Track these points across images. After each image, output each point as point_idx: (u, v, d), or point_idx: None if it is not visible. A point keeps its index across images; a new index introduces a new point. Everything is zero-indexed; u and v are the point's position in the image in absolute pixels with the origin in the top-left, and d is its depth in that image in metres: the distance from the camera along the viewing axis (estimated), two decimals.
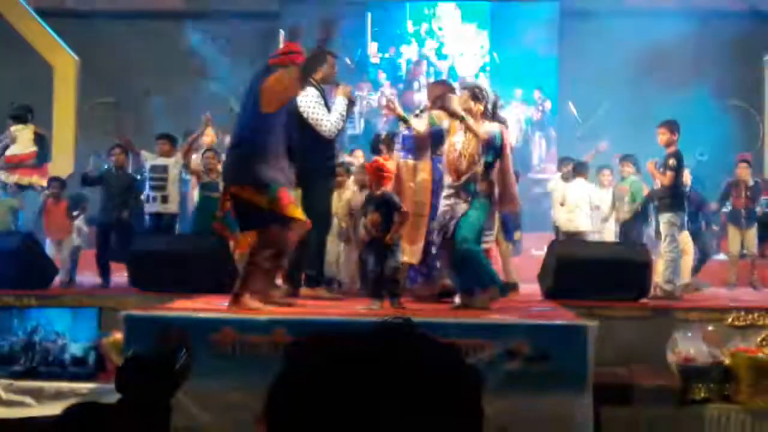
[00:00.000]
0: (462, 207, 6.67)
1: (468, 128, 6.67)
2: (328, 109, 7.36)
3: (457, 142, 6.75)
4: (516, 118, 15.30)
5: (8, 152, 10.45)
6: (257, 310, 6.23)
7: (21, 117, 10.65)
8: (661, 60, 14.30)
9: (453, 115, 6.82)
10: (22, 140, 10.45)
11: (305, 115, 7.29)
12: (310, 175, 7.23)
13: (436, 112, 7.45)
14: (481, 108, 6.79)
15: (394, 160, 7.88)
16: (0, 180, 10.43)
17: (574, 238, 9.98)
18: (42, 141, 10.82)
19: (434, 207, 7.35)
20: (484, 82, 8.58)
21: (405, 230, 7.01)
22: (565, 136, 15.28)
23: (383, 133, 9.30)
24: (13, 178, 10.36)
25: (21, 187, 10.41)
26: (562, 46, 15.88)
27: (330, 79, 7.55)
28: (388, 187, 6.87)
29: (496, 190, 6.80)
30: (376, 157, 7.85)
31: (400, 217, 6.64)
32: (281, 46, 6.77)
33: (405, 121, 7.63)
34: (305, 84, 6.65)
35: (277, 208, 6.33)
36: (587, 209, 10.23)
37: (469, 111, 6.73)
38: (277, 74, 6.41)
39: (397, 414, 1.18)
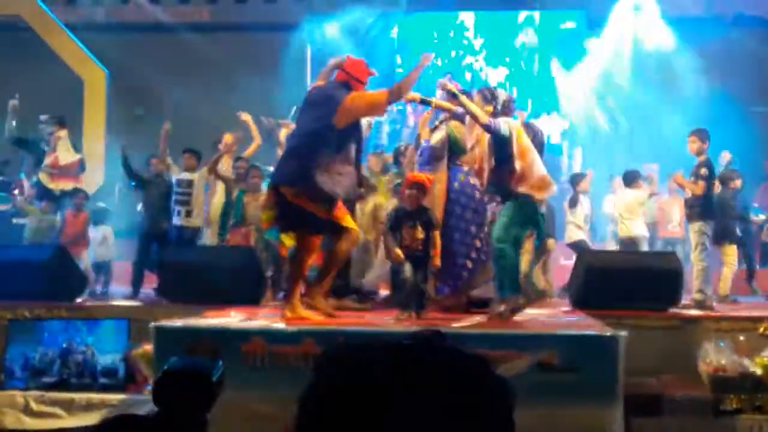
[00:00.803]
0: (497, 209, 6.76)
1: (464, 106, 6.75)
2: None
3: (476, 147, 6.89)
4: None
5: (50, 158, 10.29)
6: (308, 319, 6.33)
7: (64, 123, 10.61)
8: (686, 67, 14.21)
9: (450, 96, 6.99)
10: (66, 146, 10.42)
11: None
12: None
13: (454, 123, 7.52)
14: (491, 109, 6.87)
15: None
16: (42, 184, 10.36)
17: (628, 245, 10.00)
18: (77, 150, 10.87)
19: (452, 217, 7.38)
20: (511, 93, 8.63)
21: None
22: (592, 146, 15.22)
23: (402, 145, 9.37)
24: (56, 184, 10.30)
25: (63, 194, 10.36)
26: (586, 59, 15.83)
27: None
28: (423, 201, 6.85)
29: (528, 183, 6.70)
30: (418, 172, 7.79)
31: (435, 234, 6.70)
32: (346, 61, 6.87)
33: (427, 102, 7.67)
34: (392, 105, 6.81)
35: (334, 217, 6.50)
36: (642, 216, 10.22)
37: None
38: (361, 93, 6.63)
39: (426, 426, 1.18)
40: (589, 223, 10.61)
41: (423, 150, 7.86)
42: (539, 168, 6.73)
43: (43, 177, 10.24)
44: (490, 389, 1.25)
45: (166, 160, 9.80)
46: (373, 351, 1.26)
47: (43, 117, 10.48)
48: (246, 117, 9.86)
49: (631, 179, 10.26)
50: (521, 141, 6.66)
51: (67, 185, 10.22)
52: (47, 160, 10.20)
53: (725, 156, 11.13)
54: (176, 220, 9.33)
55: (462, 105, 6.82)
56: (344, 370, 1.24)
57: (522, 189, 6.64)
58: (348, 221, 6.64)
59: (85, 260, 9.75)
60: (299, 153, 6.52)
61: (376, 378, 1.21)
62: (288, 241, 7.06)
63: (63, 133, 10.34)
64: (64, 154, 10.28)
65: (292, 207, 6.48)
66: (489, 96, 6.98)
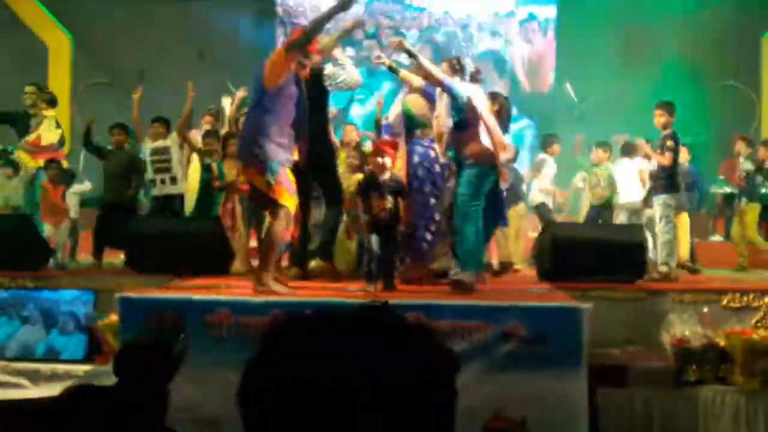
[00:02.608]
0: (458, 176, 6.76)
1: (420, 65, 6.82)
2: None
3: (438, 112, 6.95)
4: None
5: (33, 136, 9.99)
6: (279, 293, 6.24)
7: (54, 102, 10.33)
8: (657, 40, 14.26)
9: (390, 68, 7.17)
10: (51, 126, 10.19)
11: (337, 76, 7.42)
12: (321, 155, 7.38)
13: (409, 97, 7.59)
14: (459, 79, 6.93)
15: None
16: (17, 160, 10.13)
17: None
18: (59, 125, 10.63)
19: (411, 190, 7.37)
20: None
21: None
22: (562, 115, 15.25)
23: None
24: (36, 162, 10.07)
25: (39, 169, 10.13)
26: (560, 27, 15.82)
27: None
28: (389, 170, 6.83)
29: (479, 150, 6.68)
30: (384, 138, 7.80)
31: (406, 202, 6.70)
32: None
33: (395, 71, 7.69)
34: (292, 61, 6.54)
35: (272, 192, 6.33)
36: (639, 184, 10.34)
37: None
38: (276, 50, 6.54)
39: (371, 396, 1.19)
40: (553, 187, 10.71)
41: (384, 128, 7.96)
42: (495, 135, 6.71)
43: (21, 154, 10.03)
44: (433, 359, 1.26)
45: (140, 128, 9.67)
46: (319, 324, 1.27)
47: (28, 88, 10.16)
48: (240, 93, 9.56)
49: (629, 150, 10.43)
50: (478, 107, 6.65)
51: (34, 164, 10.05)
52: (29, 137, 9.96)
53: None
54: (162, 189, 9.22)
55: (418, 64, 6.78)
56: (290, 343, 1.25)
57: (472, 157, 6.65)
58: (285, 197, 6.35)
59: (64, 231, 9.64)
60: (244, 126, 6.55)
61: (321, 350, 1.22)
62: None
63: (51, 113, 10.08)
64: (48, 134, 10.07)
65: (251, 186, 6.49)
66: (457, 65, 7.00)
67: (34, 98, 10.05)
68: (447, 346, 1.29)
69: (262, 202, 6.59)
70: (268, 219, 6.88)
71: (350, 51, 15.33)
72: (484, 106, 6.70)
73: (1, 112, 10.27)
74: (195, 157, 9.60)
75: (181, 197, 9.33)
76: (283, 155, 6.37)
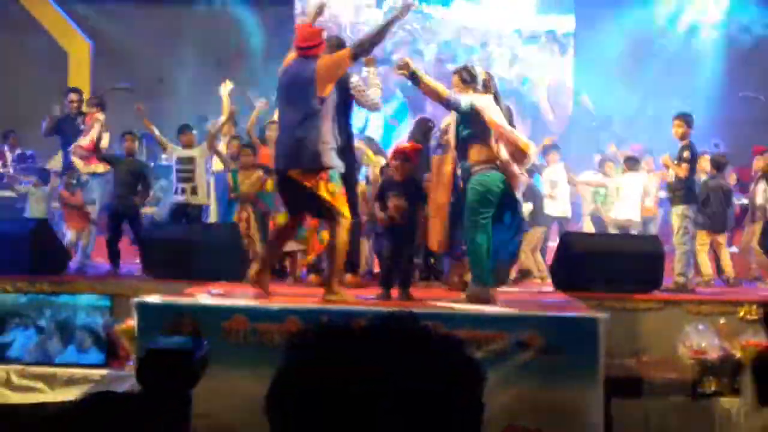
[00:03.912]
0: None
1: (422, 82, 6.59)
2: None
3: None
4: None
5: (85, 140, 9.96)
6: (349, 301, 6.29)
7: (104, 106, 10.28)
8: (673, 51, 14.23)
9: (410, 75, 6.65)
10: (104, 130, 10.22)
11: (358, 98, 7.53)
12: (348, 162, 7.35)
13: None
14: (471, 91, 6.72)
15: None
16: (72, 166, 10.03)
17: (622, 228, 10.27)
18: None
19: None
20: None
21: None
22: (580, 127, 15.23)
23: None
24: (89, 168, 9.99)
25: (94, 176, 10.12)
26: (577, 38, 15.79)
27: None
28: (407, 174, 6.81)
29: (504, 157, 6.58)
30: (405, 143, 7.84)
31: (421, 206, 6.68)
32: (302, 31, 6.75)
33: (414, 78, 7.65)
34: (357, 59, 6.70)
35: (335, 200, 6.35)
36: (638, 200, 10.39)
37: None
38: (326, 57, 6.52)
39: (396, 405, 1.19)
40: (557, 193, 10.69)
41: (435, 140, 8.04)
42: (514, 139, 6.59)
43: (75, 160, 10.02)
44: (461, 370, 1.26)
45: (162, 140, 9.65)
46: (345, 332, 1.28)
47: (73, 96, 10.21)
48: (225, 89, 9.53)
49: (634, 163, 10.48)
50: (488, 117, 6.57)
51: (98, 168, 10.04)
52: (81, 142, 9.98)
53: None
54: (181, 198, 9.25)
55: (421, 83, 6.58)
56: (316, 351, 1.25)
57: (477, 164, 6.57)
58: (345, 206, 6.41)
59: (86, 236, 9.68)
60: (293, 134, 6.44)
61: (347, 358, 1.22)
62: (281, 218, 7.05)
63: (102, 116, 10.12)
64: (104, 139, 10.14)
65: (299, 189, 6.41)
66: (467, 77, 6.83)
67: (79, 104, 10.11)
68: (473, 356, 1.29)
69: (321, 210, 6.53)
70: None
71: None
72: (496, 113, 6.57)
73: (54, 118, 10.19)
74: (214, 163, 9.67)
75: (199, 207, 9.38)
76: (339, 162, 6.46)
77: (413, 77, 6.56)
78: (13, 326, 7.15)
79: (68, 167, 10.07)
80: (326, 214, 6.46)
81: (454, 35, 16.64)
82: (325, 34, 6.81)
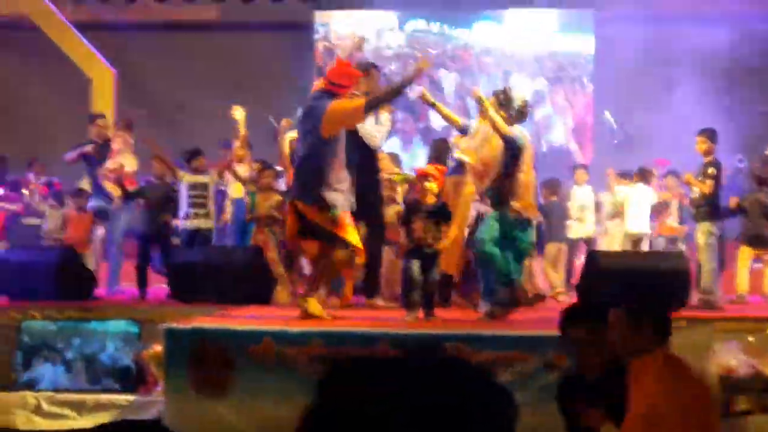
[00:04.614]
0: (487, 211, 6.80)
1: (490, 117, 6.73)
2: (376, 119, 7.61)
3: (480, 147, 6.88)
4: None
5: (115, 163, 10.03)
6: (316, 315, 6.47)
7: (132, 127, 10.38)
8: (696, 67, 14.18)
9: (481, 108, 6.91)
10: (130, 152, 10.27)
11: (358, 129, 7.55)
12: (365, 188, 7.46)
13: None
14: (505, 114, 6.87)
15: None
16: (102, 189, 10.06)
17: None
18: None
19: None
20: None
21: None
22: (601, 142, 15.21)
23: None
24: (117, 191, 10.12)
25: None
26: (598, 54, 15.80)
27: (374, 92, 7.61)
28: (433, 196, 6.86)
29: (523, 200, 6.83)
30: (429, 165, 7.89)
31: (448, 229, 6.71)
32: (340, 67, 6.85)
33: (434, 106, 7.76)
34: (369, 114, 6.82)
35: (338, 229, 6.51)
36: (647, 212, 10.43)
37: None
38: (340, 102, 6.58)
39: None
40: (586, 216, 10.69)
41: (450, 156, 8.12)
42: (535, 187, 6.91)
43: (107, 183, 10.04)
44: (492, 400, 1.26)
45: (174, 168, 9.68)
46: (375, 366, 1.28)
47: (101, 122, 10.24)
48: (239, 113, 9.58)
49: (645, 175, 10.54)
50: (529, 155, 6.77)
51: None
52: (111, 165, 10.05)
53: None
54: (193, 223, 9.28)
55: (488, 116, 6.77)
56: (348, 388, 1.26)
57: (517, 204, 6.75)
58: (349, 234, 6.58)
59: (90, 261, 9.72)
60: (301, 167, 6.67)
61: (380, 393, 1.23)
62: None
63: (130, 139, 10.21)
64: (131, 161, 10.20)
65: (306, 217, 6.61)
66: (504, 100, 6.95)
67: (109, 128, 10.14)
68: (506, 388, 1.29)
69: (327, 237, 6.66)
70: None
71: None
72: (531, 154, 6.85)
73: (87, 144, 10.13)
74: (233, 189, 9.68)
75: (210, 231, 9.42)
76: (343, 201, 6.55)
77: (480, 101, 6.86)
78: (42, 360, 7.18)
79: (98, 191, 10.06)
80: (331, 241, 6.60)
81: (475, 60, 16.66)
82: (358, 80, 6.94)
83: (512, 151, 6.77)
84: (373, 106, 6.64)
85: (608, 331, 3.65)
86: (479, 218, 7.55)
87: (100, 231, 10.03)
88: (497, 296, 6.75)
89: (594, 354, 3.77)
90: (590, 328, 3.80)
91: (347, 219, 6.57)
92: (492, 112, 6.74)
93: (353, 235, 6.62)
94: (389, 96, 6.86)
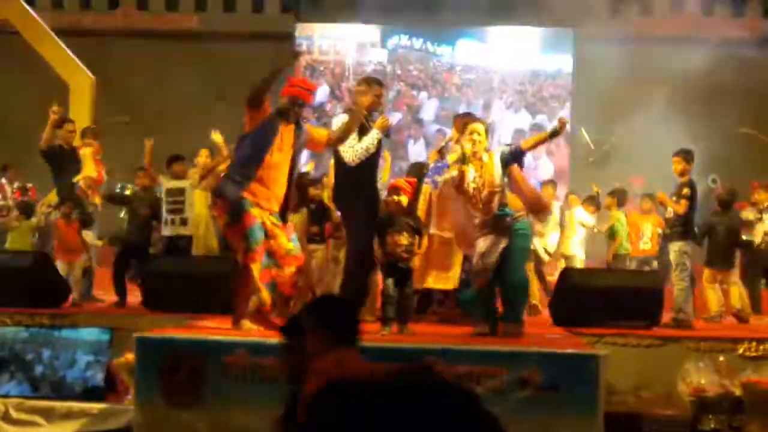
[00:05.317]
0: (503, 240, 6.61)
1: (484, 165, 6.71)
2: (361, 137, 7.33)
3: (471, 177, 6.66)
4: None
5: (93, 173, 9.90)
6: (248, 331, 6.31)
7: (97, 135, 10.29)
8: (673, 87, 14.33)
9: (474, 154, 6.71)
10: (98, 160, 10.22)
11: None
12: (344, 202, 7.41)
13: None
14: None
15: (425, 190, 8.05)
16: (78, 197, 9.77)
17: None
18: None
19: None
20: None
21: (436, 256, 7.18)
22: (577, 161, 15.33)
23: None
24: (95, 198, 9.93)
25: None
26: (576, 74, 15.93)
27: (374, 108, 7.51)
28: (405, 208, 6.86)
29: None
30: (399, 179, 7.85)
31: (420, 241, 6.71)
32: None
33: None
34: (259, 108, 6.60)
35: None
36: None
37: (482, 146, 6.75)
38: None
39: None
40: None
41: (437, 170, 8.06)
42: (536, 193, 7.01)
43: (82, 192, 9.93)
44: (479, 425, 1.27)
45: (153, 174, 9.65)
46: (363, 390, 1.28)
47: (69, 126, 10.07)
48: (216, 137, 9.65)
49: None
50: (513, 168, 6.78)
51: (98, 200, 10.05)
52: (90, 174, 9.92)
53: None
54: (170, 230, 9.25)
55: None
56: (336, 411, 1.26)
57: (517, 212, 6.72)
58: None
59: (79, 269, 9.65)
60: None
61: (368, 418, 1.23)
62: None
63: (98, 146, 10.16)
64: (101, 169, 10.15)
65: None
66: (488, 129, 7.09)
67: (76, 134, 10.09)
68: (492, 411, 1.29)
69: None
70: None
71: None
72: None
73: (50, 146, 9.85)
74: (197, 194, 9.62)
75: (189, 239, 9.38)
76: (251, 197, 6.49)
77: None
78: (9, 376, 7.08)
79: (68, 198, 9.93)
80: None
81: (458, 80, 16.67)
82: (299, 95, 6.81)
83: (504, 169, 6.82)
84: (261, 90, 6.58)
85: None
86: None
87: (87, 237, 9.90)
88: (521, 313, 6.77)
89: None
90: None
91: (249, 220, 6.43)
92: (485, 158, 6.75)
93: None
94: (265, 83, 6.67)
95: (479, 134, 6.67)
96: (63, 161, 9.72)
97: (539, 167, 15.75)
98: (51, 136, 9.68)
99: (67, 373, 6.96)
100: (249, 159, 6.51)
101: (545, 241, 10.41)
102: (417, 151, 15.82)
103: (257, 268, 6.38)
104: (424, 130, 16.04)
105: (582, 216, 10.95)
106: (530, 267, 9.90)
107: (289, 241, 6.58)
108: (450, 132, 8.51)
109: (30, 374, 7.00)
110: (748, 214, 10.61)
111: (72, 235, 9.64)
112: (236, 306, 6.46)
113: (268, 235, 6.45)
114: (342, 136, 7.00)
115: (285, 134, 6.62)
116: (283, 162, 6.61)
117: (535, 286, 9.96)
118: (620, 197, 11.19)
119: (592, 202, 11.07)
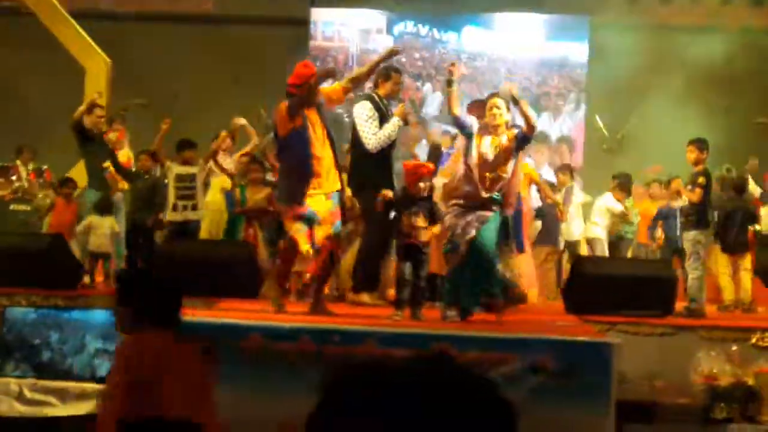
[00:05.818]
0: (478, 225, 6.70)
1: (523, 113, 6.76)
2: (382, 123, 7.52)
3: (487, 150, 6.71)
4: None
5: (123, 158, 10.01)
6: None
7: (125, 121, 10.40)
8: (690, 76, 14.24)
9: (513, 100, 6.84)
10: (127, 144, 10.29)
11: (356, 126, 7.60)
12: (362, 188, 7.52)
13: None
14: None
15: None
16: (106, 181, 9.82)
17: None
18: None
19: None
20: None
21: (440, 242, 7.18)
22: (591, 148, 15.27)
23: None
24: (122, 184, 10.01)
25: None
26: (592, 61, 15.84)
27: (393, 95, 7.69)
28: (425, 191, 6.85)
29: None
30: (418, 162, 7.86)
31: (435, 225, 6.69)
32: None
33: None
34: (295, 118, 6.64)
35: (291, 231, 6.64)
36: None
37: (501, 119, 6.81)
38: (281, 105, 6.71)
39: None
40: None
41: (445, 156, 8.12)
42: (513, 194, 7.11)
43: (111, 177, 9.89)
44: (495, 411, 1.27)
45: (162, 158, 9.64)
46: (378, 374, 1.28)
47: (99, 111, 10.00)
48: (240, 121, 9.68)
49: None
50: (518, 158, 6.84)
51: (125, 186, 10.10)
52: (122, 159, 9.98)
53: None
54: (181, 215, 9.26)
55: (521, 105, 6.82)
56: (349, 395, 1.26)
57: (510, 200, 6.80)
58: (291, 228, 6.69)
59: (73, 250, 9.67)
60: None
61: (381, 402, 1.23)
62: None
63: (123, 131, 10.23)
64: (129, 154, 10.22)
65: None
66: (509, 106, 7.06)
67: (104, 119, 10.01)
68: (508, 398, 1.29)
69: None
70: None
71: None
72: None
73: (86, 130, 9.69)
74: (215, 181, 9.64)
75: (197, 223, 9.39)
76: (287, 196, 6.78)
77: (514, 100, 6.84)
78: (14, 365, 7.13)
79: (98, 184, 9.84)
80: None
81: (464, 68, 16.51)
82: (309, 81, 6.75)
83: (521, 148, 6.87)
84: (296, 104, 6.60)
85: None
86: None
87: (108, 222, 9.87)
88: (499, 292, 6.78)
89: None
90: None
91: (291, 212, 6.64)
92: (525, 107, 6.78)
93: (295, 229, 6.63)
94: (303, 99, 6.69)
95: (498, 107, 6.72)
96: (88, 144, 9.66)
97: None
98: (83, 114, 9.63)
99: (75, 360, 7.00)
100: (300, 168, 6.63)
101: (569, 229, 10.41)
102: (418, 152, 15.67)
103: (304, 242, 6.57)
104: (428, 131, 15.72)
105: (611, 202, 10.86)
106: (550, 257, 9.96)
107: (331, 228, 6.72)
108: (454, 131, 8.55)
109: (36, 361, 7.02)
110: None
111: (68, 216, 9.66)
112: (315, 292, 6.87)
113: (315, 223, 6.62)
114: (358, 77, 7.21)
115: (313, 119, 6.71)
116: (323, 144, 6.71)
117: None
118: (624, 182, 11.05)
119: (622, 188, 10.97)
